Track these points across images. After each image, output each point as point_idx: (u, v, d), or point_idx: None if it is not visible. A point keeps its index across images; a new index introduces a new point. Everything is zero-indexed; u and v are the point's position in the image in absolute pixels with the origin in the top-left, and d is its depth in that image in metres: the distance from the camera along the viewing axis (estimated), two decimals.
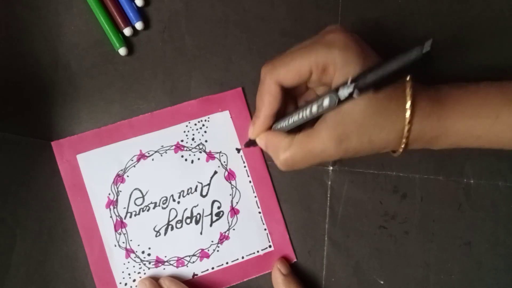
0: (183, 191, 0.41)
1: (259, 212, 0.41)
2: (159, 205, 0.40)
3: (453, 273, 0.41)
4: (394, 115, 0.34)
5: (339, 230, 0.41)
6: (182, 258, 0.40)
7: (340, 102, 0.31)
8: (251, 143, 0.40)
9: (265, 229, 0.41)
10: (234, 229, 0.41)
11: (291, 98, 0.38)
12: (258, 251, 0.41)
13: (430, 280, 0.41)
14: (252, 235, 0.41)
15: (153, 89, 0.42)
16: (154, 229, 0.40)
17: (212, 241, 0.40)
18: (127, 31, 0.42)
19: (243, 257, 0.40)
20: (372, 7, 0.43)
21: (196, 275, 0.40)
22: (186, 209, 0.40)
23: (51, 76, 0.41)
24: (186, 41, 0.43)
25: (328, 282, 0.41)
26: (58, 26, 0.42)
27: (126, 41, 0.42)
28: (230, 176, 0.41)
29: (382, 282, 0.41)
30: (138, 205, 0.40)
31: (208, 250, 0.40)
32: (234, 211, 0.41)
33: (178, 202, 0.41)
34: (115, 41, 0.41)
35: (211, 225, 0.40)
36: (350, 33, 0.34)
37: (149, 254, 0.40)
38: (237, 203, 0.41)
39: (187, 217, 0.40)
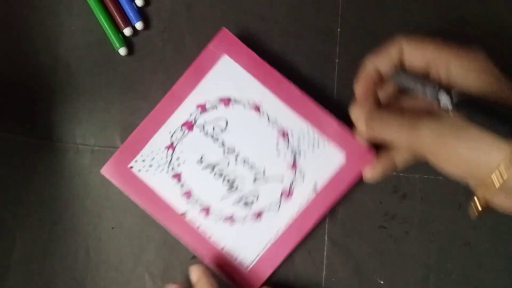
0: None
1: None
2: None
3: (453, 273, 0.41)
4: (491, 145, 0.30)
5: (339, 230, 0.41)
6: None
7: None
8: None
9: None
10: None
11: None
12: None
13: (430, 280, 0.41)
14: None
15: (153, 89, 0.42)
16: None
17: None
18: (127, 31, 0.42)
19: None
20: (372, 7, 0.43)
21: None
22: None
23: (51, 76, 0.42)
24: (186, 41, 0.43)
25: (328, 282, 0.41)
26: (58, 26, 0.42)
27: (126, 41, 0.42)
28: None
29: (382, 282, 0.41)
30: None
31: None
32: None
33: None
34: (115, 41, 0.41)
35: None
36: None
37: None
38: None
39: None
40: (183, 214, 0.40)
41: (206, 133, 0.41)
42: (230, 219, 0.40)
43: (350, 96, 0.40)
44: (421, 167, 0.42)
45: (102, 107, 0.41)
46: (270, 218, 0.40)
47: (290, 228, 0.40)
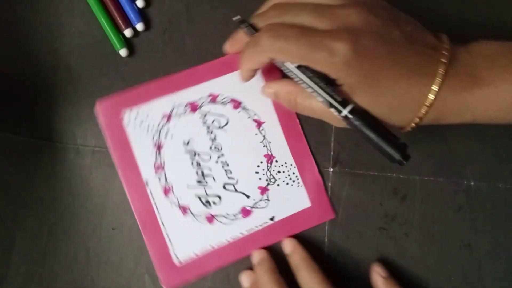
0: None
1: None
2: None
3: (453, 275, 0.41)
4: (409, 101, 0.33)
5: (339, 232, 0.41)
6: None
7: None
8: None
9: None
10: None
11: None
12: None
13: (430, 282, 0.41)
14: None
15: None
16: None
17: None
18: (127, 32, 0.42)
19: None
20: None
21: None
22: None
23: (52, 77, 0.42)
24: (187, 42, 0.43)
25: None
26: (59, 27, 0.42)
27: (127, 42, 0.42)
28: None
29: None
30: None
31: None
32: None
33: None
34: (116, 42, 0.41)
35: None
36: (368, 22, 0.33)
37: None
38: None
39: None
40: (146, 182, 0.40)
41: (204, 122, 0.41)
42: (185, 209, 0.40)
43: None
44: (422, 169, 0.42)
45: None
46: (220, 226, 0.40)
47: (233, 244, 0.40)
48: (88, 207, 0.41)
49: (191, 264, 0.40)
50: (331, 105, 0.34)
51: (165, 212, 0.40)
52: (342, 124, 0.35)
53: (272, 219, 0.41)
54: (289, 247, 0.40)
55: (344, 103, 0.34)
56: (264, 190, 0.41)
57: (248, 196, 0.41)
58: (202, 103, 0.41)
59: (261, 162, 0.41)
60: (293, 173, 0.42)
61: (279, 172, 0.41)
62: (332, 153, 0.42)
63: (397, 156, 0.34)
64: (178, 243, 0.40)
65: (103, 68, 0.42)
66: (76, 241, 0.40)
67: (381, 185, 0.42)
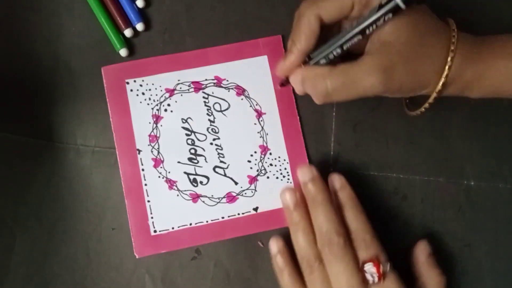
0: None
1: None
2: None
3: (453, 274, 0.41)
4: (436, 47, 0.34)
5: None
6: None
7: (383, 9, 0.32)
8: (284, 84, 0.41)
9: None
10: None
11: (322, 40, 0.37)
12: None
13: None
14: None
15: None
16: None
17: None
18: (128, 32, 0.42)
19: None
20: None
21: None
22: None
23: (52, 77, 0.42)
24: (187, 42, 0.43)
25: None
26: (59, 27, 0.42)
27: (127, 42, 0.42)
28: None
29: None
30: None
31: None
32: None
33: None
34: (116, 42, 0.41)
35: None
36: None
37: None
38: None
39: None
40: (138, 150, 0.41)
41: (206, 103, 0.42)
42: (172, 183, 0.41)
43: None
44: (422, 169, 0.42)
45: (103, 108, 0.41)
46: (203, 206, 0.41)
47: (211, 226, 0.41)
48: (88, 207, 0.41)
49: (166, 236, 0.40)
50: (380, 5, 0.32)
51: (152, 182, 0.41)
52: (381, 76, 0.33)
53: (255, 209, 0.41)
54: (338, 183, 0.38)
55: (388, 4, 0.32)
56: (253, 179, 0.41)
57: (236, 183, 0.41)
58: (207, 84, 0.42)
59: (255, 152, 0.42)
60: (285, 169, 0.42)
61: (271, 165, 0.42)
62: (332, 153, 0.42)
63: None
64: (159, 214, 0.40)
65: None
66: (76, 241, 0.40)
67: (381, 185, 0.42)
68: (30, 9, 0.42)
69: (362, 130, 0.43)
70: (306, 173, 0.38)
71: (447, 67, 0.34)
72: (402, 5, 0.31)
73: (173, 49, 0.42)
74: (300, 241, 0.37)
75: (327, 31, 0.37)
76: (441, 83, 0.34)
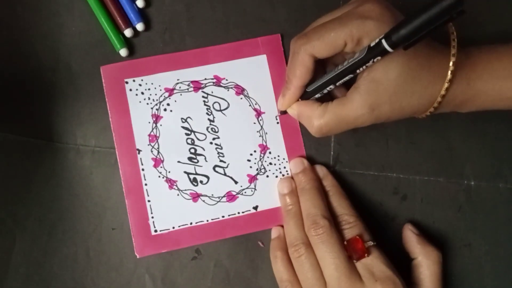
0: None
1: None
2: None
3: (453, 274, 0.41)
4: (426, 81, 0.35)
5: None
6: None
7: (371, 52, 0.32)
8: (283, 112, 0.41)
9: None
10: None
11: (320, 68, 0.39)
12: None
13: None
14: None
15: None
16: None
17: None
18: (128, 32, 0.42)
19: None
20: None
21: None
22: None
23: (52, 77, 0.42)
24: (187, 42, 0.43)
25: None
26: (59, 27, 0.42)
27: (127, 42, 0.42)
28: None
29: None
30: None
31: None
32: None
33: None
34: (116, 42, 0.41)
35: None
36: (385, 3, 0.34)
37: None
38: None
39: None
40: (138, 150, 0.41)
41: (206, 103, 0.42)
42: (172, 183, 0.41)
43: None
44: (422, 169, 0.42)
45: (103, 108, 0.41)
46: (203, 206, 0.41)
47: (212, 225, 0.41)
48: (88, 207, 0.41)
49: (167, 235, 0.40)
50: (368, 48, 0.33)
51: (152, 182, 0.41)
52: (370, 112, 0.35)
53: (255, 208, 0.41)
54: (321, 173, 0.41)
55: (376, 47, 0.33)
56: (252, 178, 0.41)
57: (236, 182, 0.41)
58: (206, 84, 0.42)
59: (255, 151, 0.42)
60: (284, 167, 0.42)
61: (270, 163, 0.42)
62: (332, 153, 0.42)
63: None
64: (159, 214, 0.40)
65: None
66: (76, 241, 0.40)
67: (381, 185, 0.42)
68: (30, 9, 0.42)
69: (362, 130, 0.42)
70: (298, 165, 0.41)
71: (439, 97, 0.35)
72: (389, 49, 0.32)
73: (173, 49, 0.42)
74: (290, 225, 0.39)
75: (326, 61, 0.39)
76: (429, 111, 0.36)
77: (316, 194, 0.39)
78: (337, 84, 0.36)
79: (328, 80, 0.37)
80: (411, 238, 0.40)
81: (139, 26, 0.42)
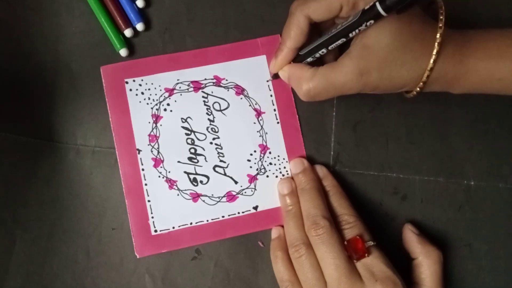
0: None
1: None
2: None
3: (453, 274, 0.41)
4: (417, 52, 0.35)
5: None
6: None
7: (365, 15, 0.33)
8: (275, 76, 0.41)
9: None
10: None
11: (315, 34, 0.39)
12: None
13: None
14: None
15: None
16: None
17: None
18: (128, 32, 0.42)
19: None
20: None
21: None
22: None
23: (52, 77, 0.42)
24: (187, 42, 0.43)
25: None
26: (59, 27, 0.42)
27: (127, 42, 0.42)
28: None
29: None
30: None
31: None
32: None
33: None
34: (116, 42, 0.41)
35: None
36: None
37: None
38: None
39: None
40: (138, 150, 0.41)
41: (206, 103, 0.42)
42: (172, 183, 0.41)
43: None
44: (422, 169, 0.42)
45: (103, 108, 0.41)
46: (203, 206, 0.41)
47: (212, 225, 0.41)
48: (88, 207, 0.41)
49: (167, 235, 0.40)
50: (362, 11, 0.33)
51: (152, 182, 0.41)
52: (359, 79, 0.35)
53: (255, 208, 0.41)
54: (320, 173, 0.41)
55: (370, 10, 0.33)
56: (252, 178, 0.41)
57: (236, 182, 0.41)
58: (206, 84, 0.42)
59: (255, 151, 0.42)
60: (284, 167, 0.42)
61: (270, 163, 0.42)
62: (332, 153, 0.42)
63: None
64: (159, 214, 0.40)
65: None
66: (76, 241, 0.40)
67: (381, 185, 0.42)
68: (30, 9, 0.42)
69: (362, 130, 0.43)
70: (298, 165, 0.41)
71: (426, 73, 0.35)
72: (383, 13, 0.32)
73: (173, 49, 0.42)
74: (290, 226, 0.39)
75: (321, 26, 0.39)
76: (419, 86, 0.36)
77: (316, 194, 0.39)
78: (330, 48, 0.36)
79: (320, 43, 0.36)
80: (411, 238, 0.40)
81: (139, 26, 0.42)
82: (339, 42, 0.36)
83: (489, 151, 0.43)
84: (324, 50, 0.37)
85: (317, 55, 0.37)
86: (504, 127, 0.43)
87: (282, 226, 0.41)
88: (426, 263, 0.38)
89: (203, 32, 0.43)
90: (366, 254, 0.37)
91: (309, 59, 0.38)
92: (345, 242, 0.37)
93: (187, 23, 0.43)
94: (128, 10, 0.42)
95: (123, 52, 0.41)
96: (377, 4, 0.32)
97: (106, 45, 0.42)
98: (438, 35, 0.34)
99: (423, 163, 0.42)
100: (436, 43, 0.34)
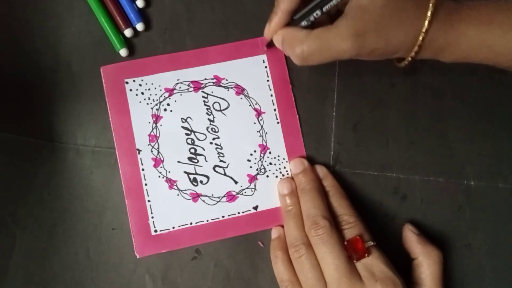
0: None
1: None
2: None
3: (453, 274, 0.41)
4: (412, 15, 0.34)
5: None
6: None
7: None
8: (269, 45, 0.41)
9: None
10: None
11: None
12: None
13: None
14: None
15: None
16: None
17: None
18: (128, 32, 0.42)
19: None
20: None
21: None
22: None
23: (52, 77, 0.42)
24: (187, 42, 0.43)
25: None
26: (59, 27, 0.42)
27: (127, 42, 0.42)
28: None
29: None
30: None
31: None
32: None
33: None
34: (116, 42, 0.41)
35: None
36: None
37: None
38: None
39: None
40: (138, 150, 0.41)
41: (206, 103, 0.42)
42: (172, 183, 0.41)
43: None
44: (422, 169, 0.42)
45: (103, 108, 0.41)
46: (203, 206, 0.41)
47: (212, 225, 0.41)
48: (88, 207, 0.41)
49: (167, 235, 0.40)
50: None
51: (152, 182, 0.41)
52: (354, 41, 0.35)
53: (255, 208, 0.41)
54: (321, 173, 0.41)
55: None
56: (252, 178, 0.41)
57: (236, 182, 0.41)
58: (206, 84, 0.42)
59: (255, 151, 0.42)
60: (284, 167, 0.42)
61: (270, 163, 0.42)
62: (332, 153, 0.42)
63: None
64: (159, 214, 0.40)
65: None
66: (76, 241, 0.40)
67: (381, 185, 0.42)
68: (30, 9, 0.42)
69: (362, 130, 0.43)
70: (298, 165, 0.41)
71: (421, 36, 0.35)
72: None
73: (173, 49, 0.42)
74: (290, 226, 0.39)
75: None
76: (414, 50, 0.35)
77: (316, 194, 0.39)
78: (324, 9, 0.36)
79: (315, 4, 0.36)
80: (411, 238, 0.40)
81: (139, 26, 0.42)
82: (334, 2, 0.35)
83: (489, 151, 0.43)
84: (318, 12, 0.36)
85: (312, 18, 0.36)
86: (504, 127, 0.43)
87: (282, 226, 0.41)
88: (426, 263, 0.38)
89: (203, 32, 0.43)
90: (366, 254, 0.37)
91: (304, 23, 0.37)
92: (345, 242, 0.37)
93: (187, 23, 0.43)
94: (128, 10, 0.42)
95: (123, 52, 0.41)
96: None
97: (106, 45, 0.42)
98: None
99: (423, 163, 0.42)
100: (430, 4, 0.34)
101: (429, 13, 0.34)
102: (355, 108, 0.43)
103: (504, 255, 0.42)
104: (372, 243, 0.37)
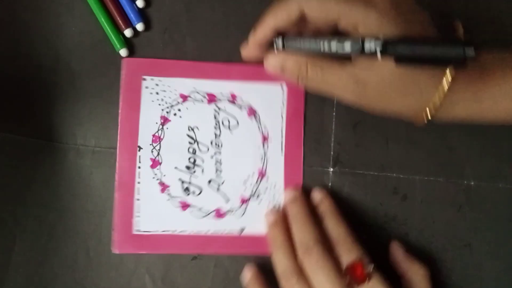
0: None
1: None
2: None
3: (453, 274, 0.41)
4: (423, 86, 0.33)
5: None
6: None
7: (363, 53, 0.31)
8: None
9: None
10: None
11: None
12: None
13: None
14: None
15: None
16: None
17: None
18: (128, 32, 0.42)
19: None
20: None
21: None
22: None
23: (51, 77, 0.42)
24: (187, 43, 0.43)
25: None
26: (59, 27, 0.42)
27: (127, 42, 0.42)
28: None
29: None
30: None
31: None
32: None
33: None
34: (116, 42, 0.41)
35: None
36: None
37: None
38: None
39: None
40: (139, 147, 0.41)
41: (216, 116, 0.41)
42: (164, 187, 0.41)
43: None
44: (422, 169, 0.42)
45: (103, 108, 0.41)
46: (190, 216, 0.41)
47: (195, 238, 0.41)
48: (88, 207, 0.41)
49: (148, 238, 0.40)
50: (362, 49, 0.32)
51: (145, 181, 0.41)
52: (354, 94, 0.35)
53: (241, 230, 0.41)
54: (317, 197, 0.40)
55: (368, 52, 0.32)
56: (244, 201, 0.41)
57: (227, 200, 0.41)
58: (221, 98, 0.41)
59: (253, 174, 0.41)
60: (278, 196, 0.41)
61: (266, 190, 0.41)
62: (332, 153, 0.42)
63: (459, 51, 0.28)
64: (145, 214, 0.40)
65: (103, 68, 0.42)
66: (76, 241, 0.40)
67: (381, 185, 0.42)
68: (30, 9, 0.42)
69: (362, 130, 0.43)
70: (289, 195, 0.40)
71: (427, 112, 0.34)
72: (380, 59, 0.31)
73: (173, 49, 0.42)
74: (279, 256, 0.37)
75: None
76: (425, 119, 0.35)
77: (308, 221, 0.38)
78: (321, 50, 0.35)
79: (304, 49, 0.35)
80: (398, 255, 0.40)
81: (139, 26, 0.42)
82: (332, 53, 0.34)
83: (489, 151, 0.43)
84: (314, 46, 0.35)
85: (305, 46, 0.35)
86: (504, 127, 0.43)
87: (257, 265, 0.40)
88: (416, 279, 0.38)
89: (203, 32, 0.43)
90: (367, 280, 0.35)
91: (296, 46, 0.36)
92: (344, 267, 0.35)
93: (187, 23, 0.43)
94: (128, 10, 0.42)
95: (123, 52, 0.41)
96: (378, 52, 0.30)
97: (106, 45, 0.42)
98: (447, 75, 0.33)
99: (423, 163, 0.42)
100: (447, 72, 0.32)
101: (444, 85, 0.33)
102: (355, 108, 0.43)
103: (504, 255, 0.42)
104: (372, 266, 0.35)
